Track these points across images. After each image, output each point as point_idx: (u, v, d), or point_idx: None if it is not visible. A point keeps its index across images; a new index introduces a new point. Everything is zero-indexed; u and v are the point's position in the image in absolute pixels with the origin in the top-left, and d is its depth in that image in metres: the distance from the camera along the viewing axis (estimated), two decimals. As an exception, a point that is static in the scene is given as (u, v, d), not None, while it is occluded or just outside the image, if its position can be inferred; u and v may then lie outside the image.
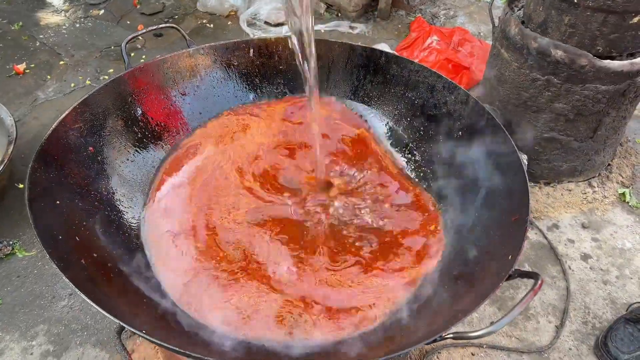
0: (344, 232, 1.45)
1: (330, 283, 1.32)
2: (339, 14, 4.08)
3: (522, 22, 2.21)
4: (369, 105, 1.79)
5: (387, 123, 1.77)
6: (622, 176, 2.56)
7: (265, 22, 3.89)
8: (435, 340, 0.97)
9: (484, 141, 1.45)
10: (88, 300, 0.94)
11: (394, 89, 1.72)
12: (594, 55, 1.99)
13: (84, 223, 1.24)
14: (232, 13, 4.06)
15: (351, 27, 3.88)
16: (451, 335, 0.98)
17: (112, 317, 0.93)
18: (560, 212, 2.40)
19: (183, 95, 1.69)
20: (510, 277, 1.06)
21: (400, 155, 1.73)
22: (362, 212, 1.51)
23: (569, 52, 2.00)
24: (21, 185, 2.45)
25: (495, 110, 2.33)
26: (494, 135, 1.42)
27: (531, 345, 1.88)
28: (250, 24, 3.89)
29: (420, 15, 3.94)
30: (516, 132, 2.36)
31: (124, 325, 0.94)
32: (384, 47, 3.37)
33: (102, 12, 4.06)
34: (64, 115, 1.32)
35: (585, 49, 2.00)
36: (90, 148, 1.39)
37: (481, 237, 1.31)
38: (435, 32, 3.39)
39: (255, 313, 1.23)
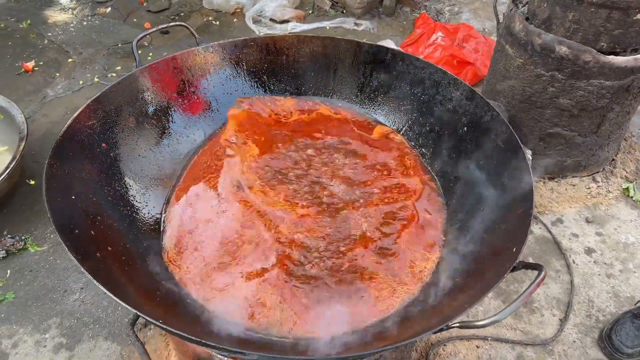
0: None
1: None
2: (344, 11, 4.10)
3: (527, 19, 2.23)
4: (374, 103, 1.82)
5: (394, 120, 1.80)
6: (626, 171, 2.57)
7: (271, 19, 3.92)
8: (441, 330, 1.00)
9: (488, 136, 1.47)
10: (106, 291, 0.97)
11: (400, 85, 1.75)
12: (598, 51, 2.01)
13: (99, 217, 1.27)
14: (237, 10, 4.09)
15: (356, 24, 3.90)
16: (457, 325, 1.01)
17: (129, 307, 0.96)
18: (565, 207, 2.42)
19: (194, 91, 1.72)
20: (514, 269, 1.09)
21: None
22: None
23: (573, 48, 2.02)
24: (32, 182, 2.48)
25: (499, 106, 2.35)
26: (498, 130, 1.44)
27: (535, 338, 1.90)
28: (255, 21, 3.91)
29: (425, 11, 3.96)
30: (520, 128, 2.39)
31: (141, 315, 0.97)
32: (389, 43, 3.39)
33: (109, 10, 4.09)
34: (78, 112, 1.35)
35: (590, 45, 2.01)
36: (104, 144, 1.42)
37: (486, 231, 1.33)
38: (440, 28, 3.40)
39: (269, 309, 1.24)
